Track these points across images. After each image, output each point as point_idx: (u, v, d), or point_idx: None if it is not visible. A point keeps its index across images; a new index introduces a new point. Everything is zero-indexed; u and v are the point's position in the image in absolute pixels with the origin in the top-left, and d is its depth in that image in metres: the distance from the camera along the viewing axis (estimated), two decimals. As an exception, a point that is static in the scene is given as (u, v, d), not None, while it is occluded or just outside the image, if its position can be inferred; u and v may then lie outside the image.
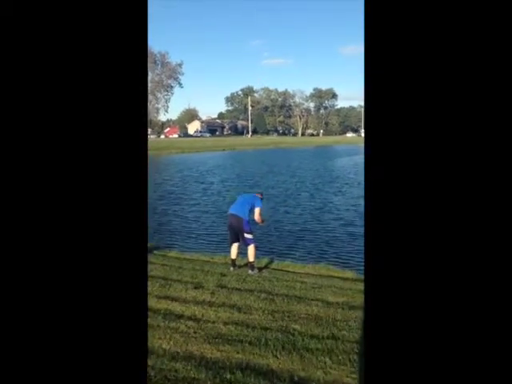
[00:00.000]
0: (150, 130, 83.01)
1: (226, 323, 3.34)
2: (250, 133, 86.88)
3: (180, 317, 3.45)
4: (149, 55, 68.90)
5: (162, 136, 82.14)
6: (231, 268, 5.63)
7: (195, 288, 4.38)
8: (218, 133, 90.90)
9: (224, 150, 43.05)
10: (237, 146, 46.38)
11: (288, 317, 3.57)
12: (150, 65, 69.53)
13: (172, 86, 72.61)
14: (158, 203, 11.71)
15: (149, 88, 70.38)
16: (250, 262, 5.56)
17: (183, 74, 75.50)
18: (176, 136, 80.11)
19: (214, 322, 3.35)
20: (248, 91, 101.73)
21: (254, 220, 5.67)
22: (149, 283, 4.38)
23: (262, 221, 5.70)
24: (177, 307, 3.71)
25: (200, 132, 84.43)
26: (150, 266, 5.40)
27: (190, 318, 3.42)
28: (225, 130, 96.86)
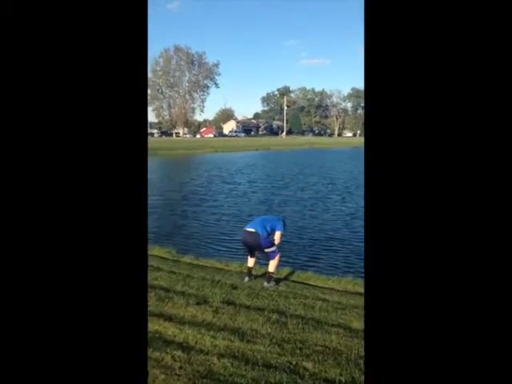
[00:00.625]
0: (186, 130, 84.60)
1: (221, 355, 2.74)
2: (285, 133, 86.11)
3: (169, 343, 2.89)
4: (186, 55, 69.87)
5: (198, 136, 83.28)
6: (246, 278, 5.03)
7: (197, 304, 3.81)
8: (252, 133, 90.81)
9: (257, 149, 42.59)
10: (271, 146, 45.82)
11: (300, 349, 2.93)
12: (187, 65, 70.53)
13: (208, 86, 73.31)
14: (179, 204, 11.28)
15: (185, 88, 71.43)
16: (269, 273, 4.95)
17: (220, 74, 76.01)
18: (211, 136, 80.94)
19: (207, 353, 2.76)
20: (284, 91, 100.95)
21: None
22: (148, 295, 3.88)
23: (280, 241, 5.06)
24: (169, 329, 3.15)
25: (235, 132, 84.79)
26: (156, 274, 4.91)
27: (180, 346, 2.85)
28: (260, 130, 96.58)
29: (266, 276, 4.97)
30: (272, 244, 4.96)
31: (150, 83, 69.78)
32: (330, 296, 4.57)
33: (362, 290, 5.09)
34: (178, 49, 70.31)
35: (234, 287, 4.59)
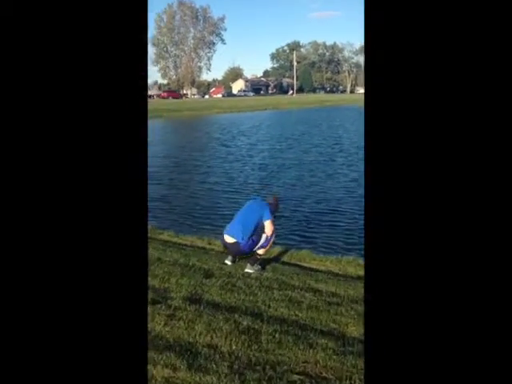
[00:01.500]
0: (195, 91, 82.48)
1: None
2: (295, 91, 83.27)
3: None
4: (190, 10, 66.57)
5: (207, 96, 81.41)
6: (227, 261, 4.23)
7: (152, 303, 3.02)
8: (262, 92, 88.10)
9: (266, 109, 40.98)
10: (280, 105, 44.04)
11: (269, 380, 2.13)
12: (191, 20, 67.38)
13: (214, 43, 70.38)
14: (169, 171, 10.33)
15: (191, 45, 68.62)
16: (256, 254, 4.13)
17: (225, 29, 72.78)
18: (220, 96, 78.93)
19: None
20: (294, 46, 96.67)
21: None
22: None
23: (273, 232, 4.16)
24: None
25: (244, 91, 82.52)
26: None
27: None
28: (269, 88, 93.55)
29: (251, 258, 4.16)
30: (257, 242, 4.12)
31: (154, 41, 67.20)
32: (324, 284, 3.75)
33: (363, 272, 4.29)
34: (181, 3, 66.83)
35: (208, 274, 3.80)
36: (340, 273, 4.30)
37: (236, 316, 2.88)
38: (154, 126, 24.70)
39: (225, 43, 73.91)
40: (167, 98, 61.11)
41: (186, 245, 5.16)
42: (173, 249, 4.78)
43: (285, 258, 4.75)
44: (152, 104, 48.96)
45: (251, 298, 3.29)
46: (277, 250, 4.98)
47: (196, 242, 5.25)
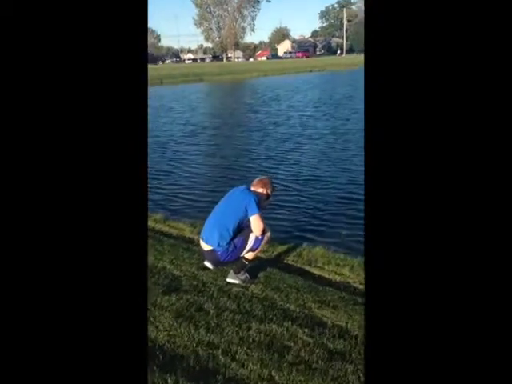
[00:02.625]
0: (241, 54, 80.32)
1: None
2: (345, 51, 78.47)
3: None
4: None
5: (251, 59, 79.10)
6: (208, 263, 3.17)
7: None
8: (309, 53, 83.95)
9: (311, 71, 38.57)
10: (327, 67, 41.27)
11: None
12: (235, -22, 64.19)
13: (259, 1, 67.04)
14: (177, 142, 9.26)
15: (234, 5, 65.81)
16: (243, 259, 3.06)
17: (272, -14, 68.53)
18: (265, 58, 76.25)
19: None
20: (345, 3, 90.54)
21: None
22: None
23: (263, 230, 2.98)
24: None
25: (290, 53, 78.93)
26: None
27: None
28: (317, 49, 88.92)
29: (237, 263, 3.09)
30: (243, 246, 3.01)
31: (197, 2, 65.20)
32: (331, 312, 2.61)
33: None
34: (225, -40, 63.80)
35: (170, 288, 2.78)
36: (360, 288, 3.13)
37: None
38: (189, 90, 23.82)
39: (270, 1, 70.35)
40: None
41: (171, 234, 4.17)
42: (150, 241, 3.80)
43: (290, 259, 3.63)
44: (196, 68, 48.02)
45: (210, 338, 2.23)
46: (282, 246, 3.86)
47: (185, 230, 4.24)
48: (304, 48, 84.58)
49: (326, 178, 6.14)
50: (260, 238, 3.02)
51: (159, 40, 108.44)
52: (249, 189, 3.11)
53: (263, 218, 3.03)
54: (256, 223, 2.92)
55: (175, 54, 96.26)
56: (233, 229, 2.94)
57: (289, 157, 7.42)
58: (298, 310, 2.61)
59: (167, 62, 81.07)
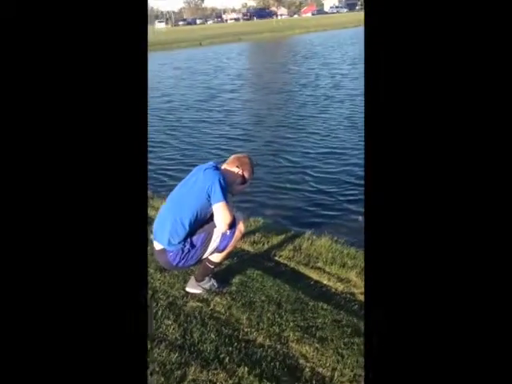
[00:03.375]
0: (285, 11, 76.67)
1: None
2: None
3: None
4: None
5: (296, 16, 75.35)
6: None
7: None
8: (357, 7, 78.27)
9: (357, 26, 35.68)
10: (375, 21, 37.91)
11: None
12: None
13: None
14: (187, 108, 8.38)
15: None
16: (207, 263, 2.27)
17: None
18: (310, 14, 72.22)
19: None
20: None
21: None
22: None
23: (230, 224, 2.15)
24: None
25: (336, 7, 74.17)
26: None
27: None
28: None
29: (200, 268, 2.32)
30: (204, 245, 2.21)
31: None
32: (319, 351, 1.80)
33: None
34: None
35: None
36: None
37: None
38: (223, 51, 22.68)
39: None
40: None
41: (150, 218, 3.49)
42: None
43: (284, 255, 2.82)
44: (236, 27, 46.28)
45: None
46: (278, 237, 3.07)
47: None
48: (352, 1, 78.96)
49: (345, 152, 5.14)
50: (229, 233, 2.23)
51: (202, 1, 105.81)
52: (217, 167, 2.29)
53: (232, 207, 2.22)
54: (220, 214, 2.11)
55: (218, 15, 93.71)
56: (190, 222, 2.16)
57: (308, 124, 6.40)
58: (267, 343, 1.83)
59: (209, 22, 79.08)
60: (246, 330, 1.92)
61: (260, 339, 1.86)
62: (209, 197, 2.13)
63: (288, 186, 4.33)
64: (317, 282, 2.50)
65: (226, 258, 2.37)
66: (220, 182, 2.13)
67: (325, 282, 2.48)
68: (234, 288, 2.31)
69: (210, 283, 2.30)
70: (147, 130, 1.00)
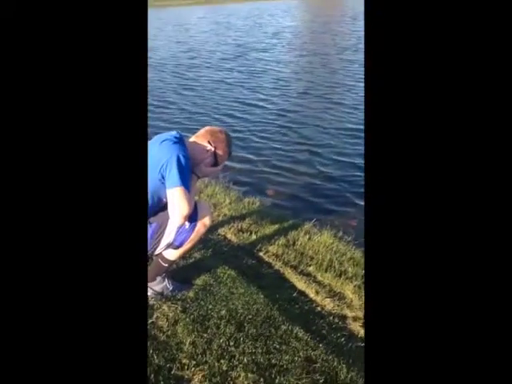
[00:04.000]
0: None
1: None
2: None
3: None
4: None
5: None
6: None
7: None
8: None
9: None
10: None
11: None
12: None
13: None
14: (208, 67, 7.64)
15: None
16: (162, 260, 1.78)
17: None
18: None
19: None
20: None
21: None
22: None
23: (187, 216, 1.59)
24: None
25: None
26: None
27: None
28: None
29: (152, 264, 1.82)
30: (155, 238, 1.72)
31: None
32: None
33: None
34: None
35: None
36: (360, 334, 1.72)
37: None
38: (267, 7, 21.39)
39: None
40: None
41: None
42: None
43: (271, 251, 2.29)
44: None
45: None
46: (271, 226, 2.54)
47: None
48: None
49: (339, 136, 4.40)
50: (188, 226, 1.72)
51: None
52: (180, 138, 1.74)
53: (194, 193, 1.69)
54: (175, 202, 1.58)
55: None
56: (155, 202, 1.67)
57: (334, 93, 5.62)
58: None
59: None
60: (183, 361, 1.44)
61: (196, 379, 1.38)
62: (163, 178, 1.61)
63: (294, 167, 3.73)
64: (301, 293, 1.96)
65: (184, 255, 1.87)
66: (179, 159, 1.59)
67: (311, 296, 1.94)
68: (191, 294, 1.83)
69: (162, 285, 1.83)
70: (147, 126, 0.99)
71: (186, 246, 1.75)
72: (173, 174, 1.57)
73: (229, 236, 2.46)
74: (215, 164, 1.81)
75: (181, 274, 1.99)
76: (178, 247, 1.74)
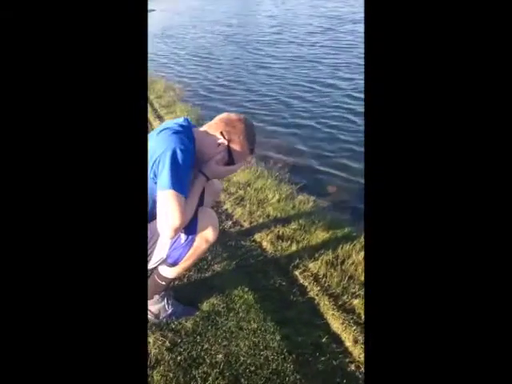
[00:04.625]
0: None
1: None
2: None
3: None
4: None
5: None
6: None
7: None
8: None
9: None
10: None
11: None
12: None
13: None
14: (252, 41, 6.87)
15: None
16: (159, 278, 1.43)
17: None
18: None
19: None
20: None
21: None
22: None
23: (178, 229, 1.20)
24: None
25: None
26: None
27: None
28: None
29: (150, 281, 1.47)
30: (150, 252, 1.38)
31: None
32: None
33: None
34: None
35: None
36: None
37: None
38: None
39: None
40: None
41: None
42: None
43: (315, 266, 1.82)
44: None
45: None
46: (330, 229, 2.06)
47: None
48: None
49: None
50: (184, 241, 1.34)
51: None
52: (186, 128, 1.35)
53: (185, 200, 1.26)
54: (163, 210, 1.19)
55: None
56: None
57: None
58: None
59: None
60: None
61: None
62: (155, 177, 1.25)
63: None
64: (335, 338, 1.47)
65: (183, 273, 1.51)
66: (174, 155, 1.21)
67: (346, 345, 1.44)
68: (189, 324, 1.46)
69: (159, 305, 1.50)
70: (147, 127, 0.54)
71: (183, 264, 1.38)
72: (164, 173, 1.19)
73: (264, 244, 2.03)
74: (230, 162, 1.38)
75: (188, 290, 1.64)
76: (172, 265, 1.38)
